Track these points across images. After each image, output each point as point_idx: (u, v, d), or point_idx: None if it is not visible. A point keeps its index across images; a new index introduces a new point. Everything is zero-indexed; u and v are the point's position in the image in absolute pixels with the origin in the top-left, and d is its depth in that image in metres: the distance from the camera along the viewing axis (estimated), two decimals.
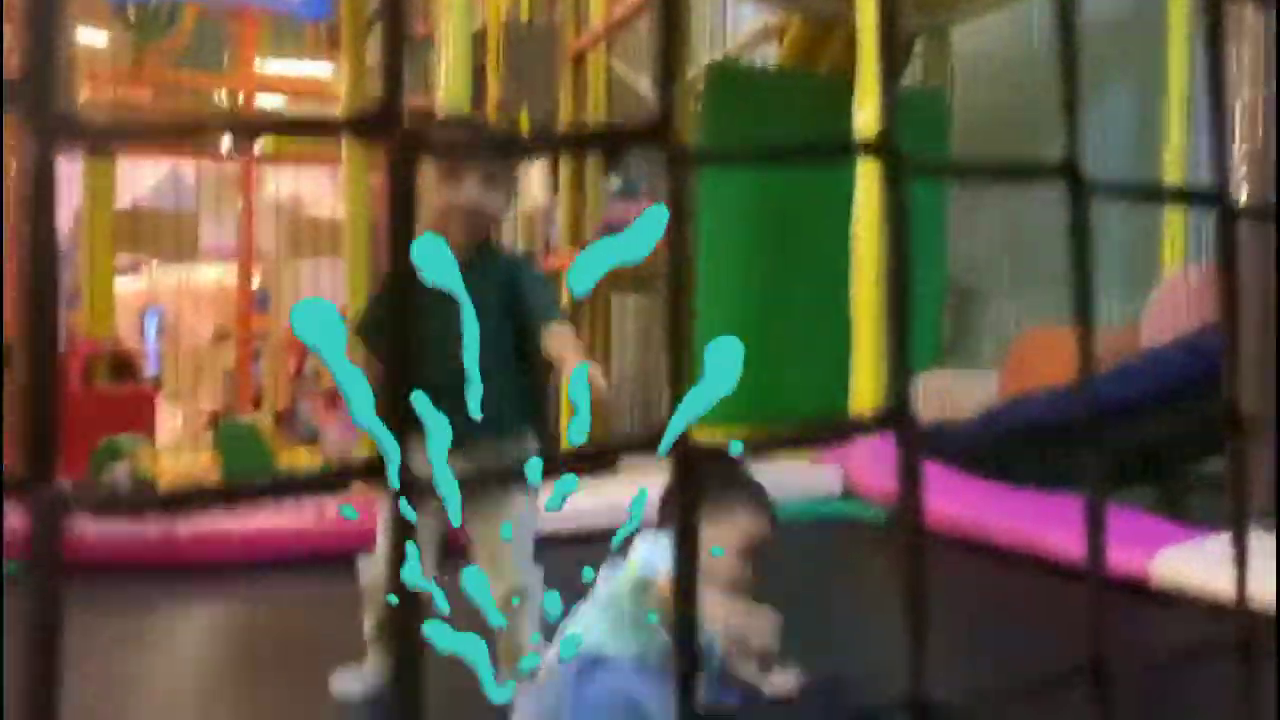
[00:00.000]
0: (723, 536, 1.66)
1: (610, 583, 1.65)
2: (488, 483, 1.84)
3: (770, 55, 6.57)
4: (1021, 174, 0.46)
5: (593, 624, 1.64)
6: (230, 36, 9.34)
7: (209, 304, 10.29)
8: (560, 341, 1.80)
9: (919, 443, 0.41)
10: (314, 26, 9.14)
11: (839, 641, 1.82)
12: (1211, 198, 0.51)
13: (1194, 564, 2.57)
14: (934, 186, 5.69)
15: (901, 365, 0.43)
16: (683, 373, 0.39)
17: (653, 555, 1.57)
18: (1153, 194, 0.63)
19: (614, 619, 1.63)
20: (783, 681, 1.91)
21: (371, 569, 1.91)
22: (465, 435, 1.94)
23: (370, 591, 1.90)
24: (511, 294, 1.83)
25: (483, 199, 1.82)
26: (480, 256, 1.84)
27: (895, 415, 0.42)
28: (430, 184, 1.78)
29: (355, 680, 1.87)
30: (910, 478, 0.41)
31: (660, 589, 1.58)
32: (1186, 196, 0.52)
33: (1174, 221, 4.17)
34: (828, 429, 0.62)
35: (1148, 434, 3.41)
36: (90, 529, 2.80)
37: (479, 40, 6.99)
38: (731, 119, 5.32)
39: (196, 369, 10.32)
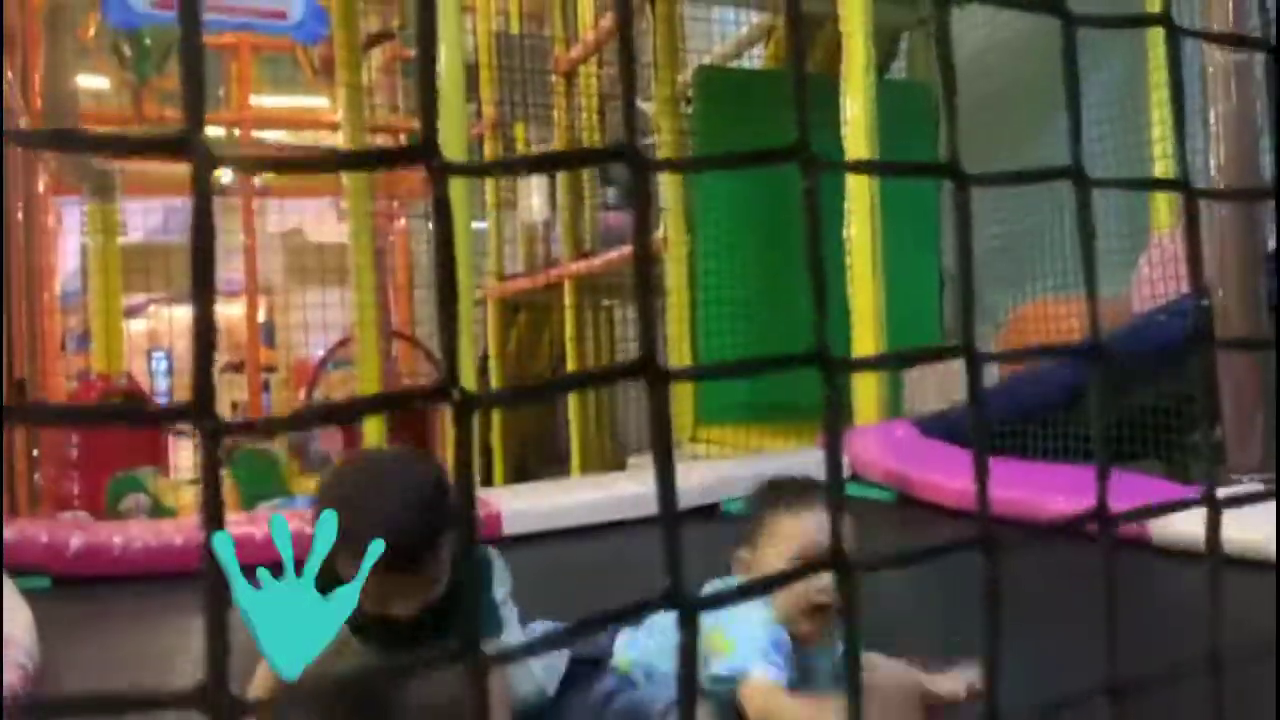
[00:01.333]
0: (774, 551, 1.56)
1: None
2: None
3: (759, 57, 6.67)
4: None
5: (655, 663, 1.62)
6: (226, 73, 9.47)
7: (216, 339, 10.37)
8: None
9: None
10: (307, 59, 9.26)
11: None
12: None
13: (1190, 520, 2.62)
14: (925, 186, 5.78)
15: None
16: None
17: (748, 657, 1.48)
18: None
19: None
20: None
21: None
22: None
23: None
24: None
25: (390, 605, 1.54)
26: (420, 634, 1.56)
27: None
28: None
29: None
30: None
31: (746, 696, 1.49)
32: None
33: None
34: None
35: (1142, 402, 3.47)
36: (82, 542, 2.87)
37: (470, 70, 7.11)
38: (722, 120, 5.41)
39: None
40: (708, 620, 1.64)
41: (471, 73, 7.52)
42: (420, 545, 1.51)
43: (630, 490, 3.62)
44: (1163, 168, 4.21)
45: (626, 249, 6.18)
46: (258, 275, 9.60)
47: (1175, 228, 3.53)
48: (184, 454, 8.97)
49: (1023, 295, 4.48)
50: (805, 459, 4.12)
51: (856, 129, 4.63)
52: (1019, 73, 5.07)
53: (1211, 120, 2.87)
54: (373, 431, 5.24)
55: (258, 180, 8.92)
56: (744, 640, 1.49)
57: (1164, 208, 4.40)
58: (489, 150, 7.54)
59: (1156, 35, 4.31)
